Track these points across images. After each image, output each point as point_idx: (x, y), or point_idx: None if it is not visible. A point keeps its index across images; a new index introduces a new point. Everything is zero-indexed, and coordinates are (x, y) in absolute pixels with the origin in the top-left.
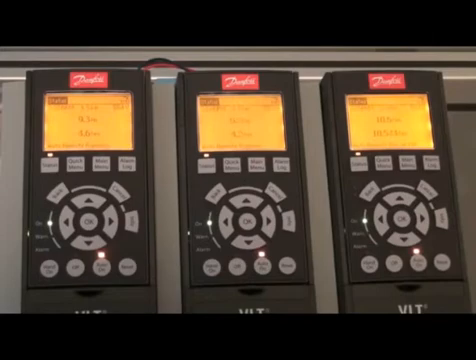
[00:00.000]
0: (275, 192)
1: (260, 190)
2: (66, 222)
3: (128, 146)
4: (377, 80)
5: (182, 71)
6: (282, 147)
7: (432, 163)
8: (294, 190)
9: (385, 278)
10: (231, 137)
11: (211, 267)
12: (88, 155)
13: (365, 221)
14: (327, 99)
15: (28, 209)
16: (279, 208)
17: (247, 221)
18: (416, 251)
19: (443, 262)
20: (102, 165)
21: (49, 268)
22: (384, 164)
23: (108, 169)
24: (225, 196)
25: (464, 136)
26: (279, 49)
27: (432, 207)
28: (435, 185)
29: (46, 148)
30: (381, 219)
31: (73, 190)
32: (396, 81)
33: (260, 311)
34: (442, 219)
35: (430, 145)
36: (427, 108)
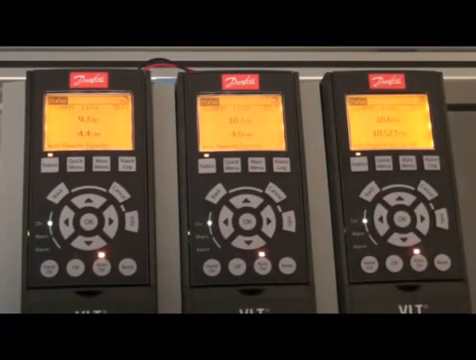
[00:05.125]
0: (275, 192)
1: (260, 190)
2: (66, 222)
3: (128, 146)
4: (377, 80)
5: (182, 71)
6: (282, 147)
7: (432, 163)
8: (294, 190)
9: (385, 278)
10: (231, 137)
11: (211, 267)
12: (88, 155)
13: (365, 221)
14: (327, 99)
15: (28, 209)
16: (279, 208)
17: (247, 221)
18: (416, 251)
19: (443, 262)
20: (102, 165)
21: (49, 268)
22: (384, 164)
23: (108, 169)
24: (225, 196)
25: (464, 136)
26: (279, 49)
27: (432, 207)
28: (435, 185)
29: (46, 148)
30: (381, 219)
31: (73, 190)
32: (396, 81)
33: (260, 311)
34: (442, 219)
35: (430, 145)
36: (427, 108)
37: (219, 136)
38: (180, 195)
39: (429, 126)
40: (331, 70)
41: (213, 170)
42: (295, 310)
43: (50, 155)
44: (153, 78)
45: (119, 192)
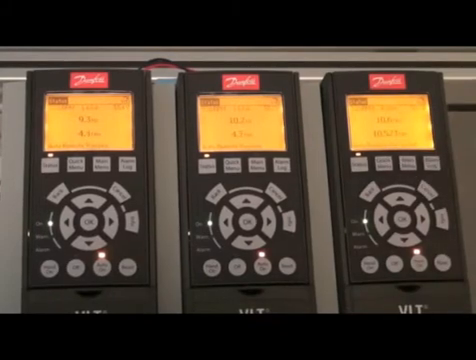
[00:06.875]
0: (275, 192)
1: (260, 190)
2: (66, 222)
3: (128, 146)
4: (377, 80)
5: (182, 71)
6: (282, 147)
7: (432, 164)
8: (294, 190)
9: (385, 278)
10: (231, 137)
11: (211, 267)
12: (88, 155)
13: (365, 221)
14: (327, 99)
15: (28, 209)
16: (279, 208)
17: (247, 221)
18: (416, 251)
19: (443, 262)
20: (102, 165)
21: (49, 268)
22: (384, 164)
23: (108, 169)
24: (225, 196)
25: (464, 136)
26: (279, 49)
27: (432, 207)
28: (435, 185)
29: (46, 148)
30: (381, 219)
31: (73, 190)
32: (396, 81)
33: (260, 311)
34: (442, 219)
35: (430, 145)
36: (427, 108)
37: (219, 136)
38: (180, 195)
39: (429, 126)
40: (331, 70)
41: (213, 170)
42: (295, 310)
43: (50, 155)
44: (153, 78)
45: (119, 192)
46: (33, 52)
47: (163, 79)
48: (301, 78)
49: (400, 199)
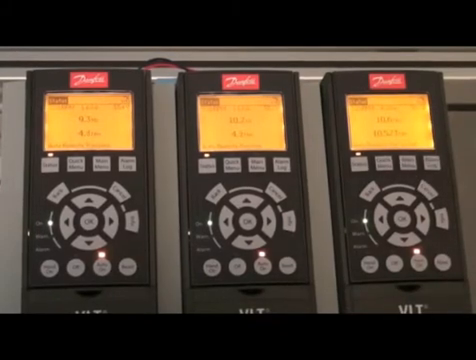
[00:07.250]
0: (275, 192)
1: (260, 190)
2: (66, 222)
3: (128, 146)
4: (377, 80)
5: (182, 71)
6: (282, 147)
7: (432, 163)
8: (294, 190)
9: (385, 278)
10: (231, 137)
11: (211, 267)
12: (88, 155)
13: (365, 221)
14: (327, 99)
15: (28, 209)
16: (279, 208)
17: (247, 221)
18: (416, 251)
19: (443, 262)
20: (102, 165)
21: (49, 268)
22: (384, 164)
23: (108, 169)
24: (225, 196)
25: (464, 136)
26: (279, 49)
27: (432, 207)
28: (435, 185)
29: (46, 148)
30: (381, 219)
31: (73, 190)
32: (396, 81)
33: (260, 311)
34: (442, 219)
35: (430, 145)
36: (427, 108)
37: (219, 136)
38: (180, 195)
39: (429, 126)
40: (331, 70)
41: (213, 170)
42: (295, 310)
43: (50, 155)
44: (153, 78)
45: (119, 192)
46: (33, 52)
47: (163, 79)
48: (301, 78)
49: (400, 199)
